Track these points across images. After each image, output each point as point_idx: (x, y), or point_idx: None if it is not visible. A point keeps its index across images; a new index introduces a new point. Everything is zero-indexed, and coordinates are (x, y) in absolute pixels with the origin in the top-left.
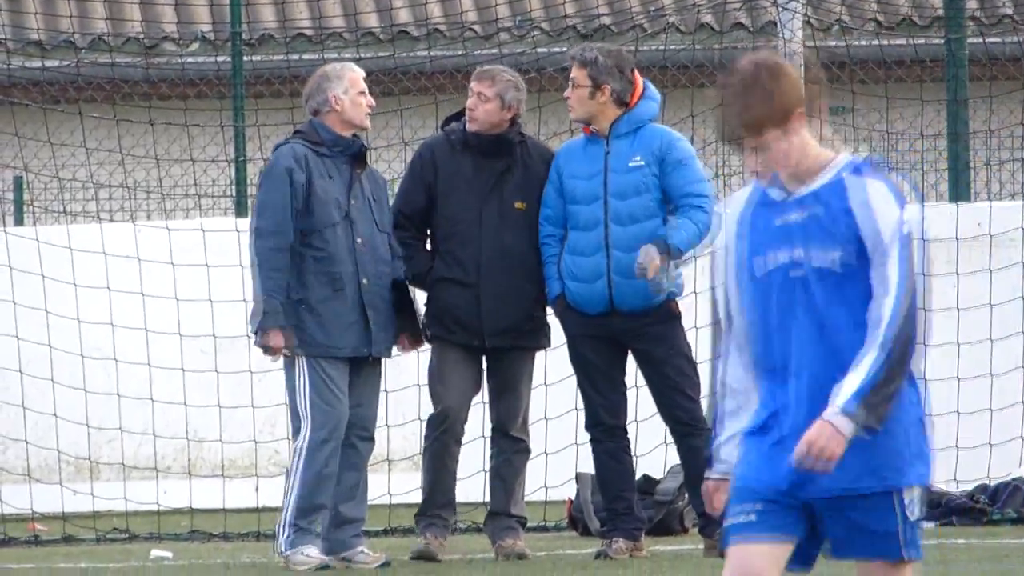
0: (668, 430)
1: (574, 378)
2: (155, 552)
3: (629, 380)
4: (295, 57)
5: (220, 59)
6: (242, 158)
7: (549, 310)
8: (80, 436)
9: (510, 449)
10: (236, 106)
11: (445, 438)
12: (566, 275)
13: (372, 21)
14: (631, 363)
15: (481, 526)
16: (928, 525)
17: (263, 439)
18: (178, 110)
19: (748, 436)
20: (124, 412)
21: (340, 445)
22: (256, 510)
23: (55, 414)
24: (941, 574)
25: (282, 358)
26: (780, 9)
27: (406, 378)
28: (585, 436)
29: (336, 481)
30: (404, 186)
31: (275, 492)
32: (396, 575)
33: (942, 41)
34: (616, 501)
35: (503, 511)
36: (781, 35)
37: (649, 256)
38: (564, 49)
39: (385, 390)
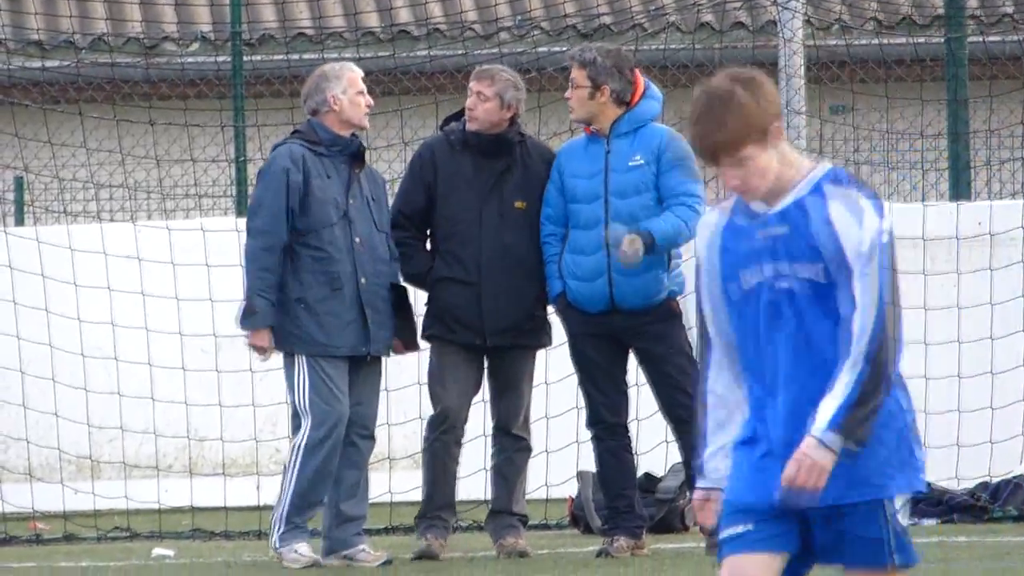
0: (669, 428)
1: (575, 376)
2: (156, 551)
3: (630, 378)
4: (295, 57)
5: (220, 59)
6: (242, 158)
7: (550, 309)
8: (81, 435)
9: (511, 447)
10: (236, 106)
11: (445, 439)
12: (567, 274)
13: (372, 21)
14: (632, 361)
15: (482, 524)
16: (929, 522)
17: (264, 438)
18: (178, 110)
19: (737, 448)
20: (125, 411)
21: (340, 444)
22: (257, 509)
23: (56, 413)
24: (942, 572)
25: (282, 357)
26: (780, 8)
27: (407, 377)
28: (586, 434)
29: (337, 480)
30: (404, 186)
31: (276, 491)
32: (398, 573)
33: (942, 40)
34: (617, 499)
35: (504, 509)
36: (781, 34)
37: (616, 235)
38: (564, 49)
39: (386, 389)
